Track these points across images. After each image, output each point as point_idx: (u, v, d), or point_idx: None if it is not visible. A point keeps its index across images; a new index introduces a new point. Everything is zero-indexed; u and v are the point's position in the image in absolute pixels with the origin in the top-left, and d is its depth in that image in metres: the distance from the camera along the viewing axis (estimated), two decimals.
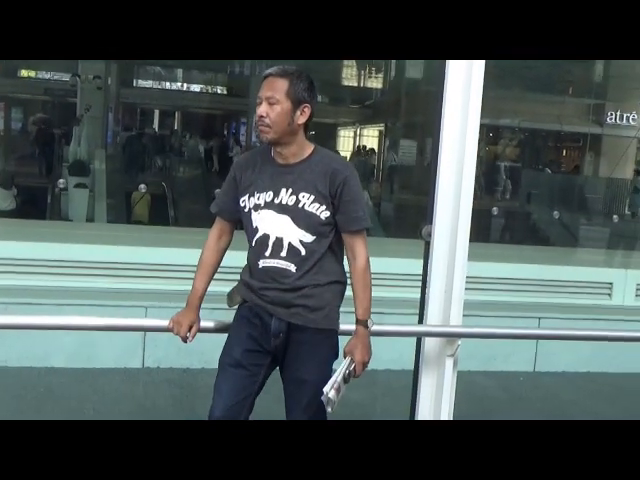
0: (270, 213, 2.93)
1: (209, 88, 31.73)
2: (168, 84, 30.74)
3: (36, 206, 14.39)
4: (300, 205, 2.90)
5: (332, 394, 2.91)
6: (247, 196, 2.98)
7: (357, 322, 3.00)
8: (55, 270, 6.28)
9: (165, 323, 3.07)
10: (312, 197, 2.90)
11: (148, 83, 29.18)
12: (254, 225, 2.97)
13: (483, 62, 3.28)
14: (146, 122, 31.81)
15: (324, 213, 2.91)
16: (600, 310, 7.13)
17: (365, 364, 2.98)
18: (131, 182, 16.11)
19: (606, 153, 24.20)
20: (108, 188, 15.38)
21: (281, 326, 2.97)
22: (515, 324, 5.89)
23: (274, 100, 2.86)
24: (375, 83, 22.83)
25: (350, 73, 21.09)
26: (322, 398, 2.94)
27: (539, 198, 18.42)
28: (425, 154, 20.25)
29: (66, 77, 21.57)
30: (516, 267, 7.61)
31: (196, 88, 31.41)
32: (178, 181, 18.86)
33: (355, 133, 31.34)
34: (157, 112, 33.55)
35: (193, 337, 3.03)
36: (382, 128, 28.57)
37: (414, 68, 16.53)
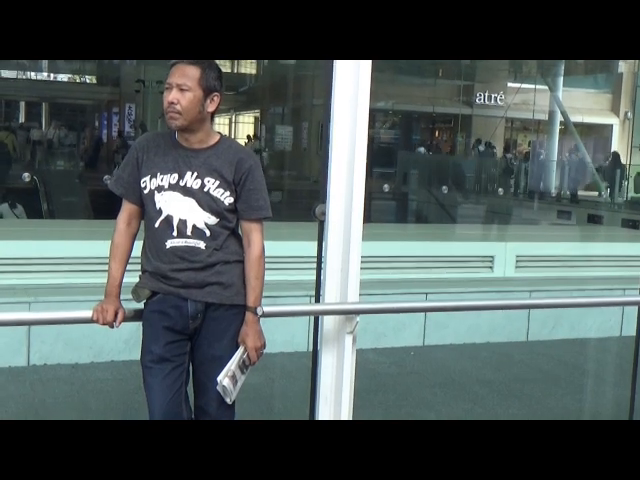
0: (175, 195, 2.90)
1: (77, 77, 30.83)
2: (33, 74, 29.57)
3: None
4: (205, 189, 2.90)
5: (227, 382, 2.91)
6: (149, 177, 2.93)
7: (247, 309, 2.99)
8: None
9: (85, 314, 2.95)
10: (217, 182, 2.91)
11: (12, 73, 27.94)
12: (157, 207, 2.92)
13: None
14: (11, 114, 30.62)
15: (228, 199, 2.93)
16: (483, 282, 7.34)
17: (258, 350, 3.00)
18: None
19: (476, 133, 24.97)
20: None
21: (197, 307, 2.96)
22: (403, 300, 6.00)
23: (186, 87, 2.84)
24: (249, 69, 22.70)
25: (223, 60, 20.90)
26: (217, 388, 2.92)
27: (415, 178, 18.78)
28: (301, 138, 20.34)
29: None
30: (399, 245, 7.75)
31: (64, 78, 30.41)
32: (50, 174, 18.20)
33: (230, 120, 31.16)
34: (23, 104, 32.34)
35: (120, 323, 2.94)
36: (257, 114, 28.54)
37: None
